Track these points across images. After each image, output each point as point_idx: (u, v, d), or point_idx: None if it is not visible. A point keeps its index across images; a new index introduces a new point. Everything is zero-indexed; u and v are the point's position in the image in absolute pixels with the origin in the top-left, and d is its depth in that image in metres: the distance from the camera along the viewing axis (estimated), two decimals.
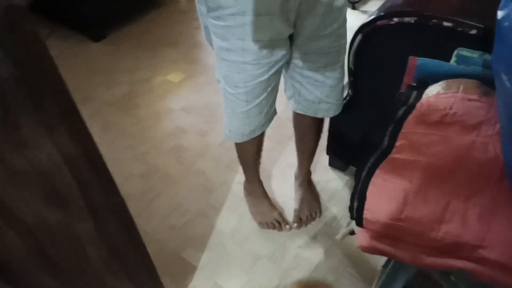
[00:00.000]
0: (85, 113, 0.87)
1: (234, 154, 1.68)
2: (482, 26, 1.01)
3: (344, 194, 1.50)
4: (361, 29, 1.16)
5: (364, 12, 2.57)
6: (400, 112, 0.95)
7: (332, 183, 1.54)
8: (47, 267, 0.73)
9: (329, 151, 1.56)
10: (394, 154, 0.84)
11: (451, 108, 0.88)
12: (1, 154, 0.57)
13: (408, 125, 0.87)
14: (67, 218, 0.71)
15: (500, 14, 0.75)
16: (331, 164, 1.60)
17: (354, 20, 2.36)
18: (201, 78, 2.15)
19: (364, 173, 0.85)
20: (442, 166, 0.79)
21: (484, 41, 1.00)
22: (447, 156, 0.80)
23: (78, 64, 2.28)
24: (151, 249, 0.99)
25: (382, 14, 1.11)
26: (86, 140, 0.69)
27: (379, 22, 1.12)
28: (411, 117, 0.89)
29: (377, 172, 0.83)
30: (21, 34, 0.55)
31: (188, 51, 2.36)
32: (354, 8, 2.56)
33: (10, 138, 0.58)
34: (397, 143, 0.85)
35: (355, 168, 1.54)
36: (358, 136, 1.43)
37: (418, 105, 0.92)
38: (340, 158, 1.57)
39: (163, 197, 1.54)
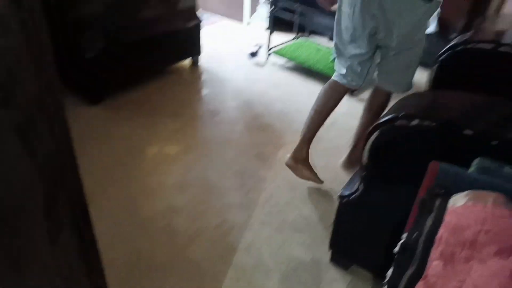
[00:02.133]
0: None
1: (229, 241, 1.56)
2: (503, 137, 1.00)
3: None
4: (379, 126, 1.14)
5: (362, 100, 2.65)
6: (428, 222, 0.89)
7: (334, 284, 1.41)
8: None
9: (333, 247, 1.45)
10: (430, 277, 0.75)
11: (483, 224, 0.82)
12: None
13: (441, 242, 0.80)
14: None
15: None
16: (333, 260, 1.48)
17: (352, 108, 2.43)
18: (198, 151, 2.08)
19: None
20: None
21: (506, 152, 0.98)
22: (489, 284, 0.72)
23: (70, 127, 2.20)
24: None
25: (402, 114, 1.10)
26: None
27: (398, 122, 1.10)
28: (442, 232, 0.82)
29: None
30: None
31: (187, 123, 2.32)
32: (352, 95, 2.64)
33: None
34: (432, 264, 0.77)
35: (358, 267, 1.44)
36: (365, 235, 1.35)
37: (447, 217, 0.86)
38: (343, 256, 1.46)
39: None
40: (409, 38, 1.54)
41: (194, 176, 1.90)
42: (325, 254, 1.50)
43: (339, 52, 1.64)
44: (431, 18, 3.05)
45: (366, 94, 2.33)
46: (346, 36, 1.57)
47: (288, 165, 1.83)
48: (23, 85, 0.49)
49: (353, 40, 1.55)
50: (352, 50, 1.58)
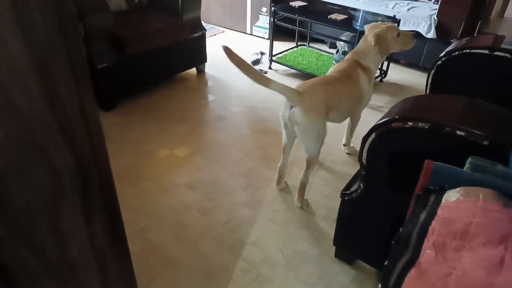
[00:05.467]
0: None
1: (237, 236, 1.64)
2: (494, 138, 1.08)
3: None
4: (375, 128, 1.22)
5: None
6: (422, 216, 0.96)
7: (339, 277, 1.48)
8: None
9: (336, 242, 1.53)
10: (422, 264, 0.83)
11: (474, 217, 0.90)
12: None
13: (433, 233, 0.88)
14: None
15: None
16: (338, 255, 1.56)
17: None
18: (207, 154, 2.17)
19: (392, 280, 0.82)
20: (475, 279, 0.78)
21: (496, 152, 1.06)
22: (478, 270, 0.79)
23: None
24: None
25: (396, 116, 1.18)
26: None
27: (393, 124, 1.18)
28: (435, 224, 0.90)
29: (406, 281, 0.81)
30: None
31: (196, 127, 2.42)
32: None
33: None
34: (424, 252, 0.84)
35: (362, 262, 1.52)
36: (367, 230, 1.42)
37: (439, 211, 0.94)
38: (347, 251, 1.54)
39: (160, 280, 1.45)
40: None
41: (203, 176, 1.99)
42: (330, 249, 1.57)
43: None
44: (428, 25, 3.13)
45: None
46: None
47: None
48: (64, 89, 0.58)
49: None
50: None
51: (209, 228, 1.68)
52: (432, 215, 0.94)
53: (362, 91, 1.85)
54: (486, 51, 1.54)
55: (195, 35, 2.86)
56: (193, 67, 3.06)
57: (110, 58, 2.36)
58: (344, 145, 2.23)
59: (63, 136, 0.58)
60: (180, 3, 2.67)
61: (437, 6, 3.11)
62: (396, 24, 1.98)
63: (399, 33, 1.92)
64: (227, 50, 1.49)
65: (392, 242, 1.01)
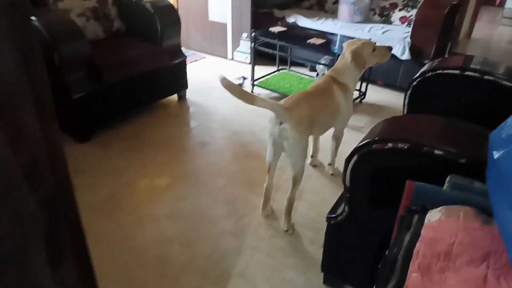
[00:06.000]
0: None
1: (222, 267, 1.59)
2: (470, 156, 1.09)
3: None
4: (357, 150, 1.22)
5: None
6: (407, 238, 0.95)
7: None
8: None
9: (324, 268, 1.49)
10: None
11: (456, 237, 0.89)
12: None
13: (418, 255, 0.86)
14: None
15: (496, 154, 0.81)
16: (326, 281, 1.52)
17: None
18: (189, 182, 2.13)
19: None
20: None
21: (473, 170, 1.07)
22: None
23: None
24: None
25: (377, 138, 1.18)
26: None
27: (374, 146, 1.18)
28: (419, 245, 0.89)
29: None
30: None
31: (177, 155, 2.38)
32: None
33: None
34: (411, 276, 0.82)
35: (350, 287, 1.48)
36: (354, 254, 1.40)
37: (423, 232, 0.93)
38: (335, 276, 1.50)
39: None
40: None
41: (185, 206, 1.94)
42: (318, 276, 1.54)
43: None
44: (403, 47, 3.24)
45: None
46: None
47: None
48: (28, 128, 0.55)
49: None
50: None
51: (192, 261, 1.62)
52: (416, 236, 0.93)
53: (338, 105, 1.89)
54: (457, 71, 1.59)
55: (176, 61, 2.86)
56: (174, 94, 3.06)
57: (87, 88, 2.32)
58: (329, 164, 2.24)
59: (27, 181, 0.54)
60: (159, 30, 2.69)
61: (410, 29, 3.23)
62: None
63: (375, 48, 1.98)
64: (224, 82, 1.57)
65: (379, 266, 1.00)
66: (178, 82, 3.00)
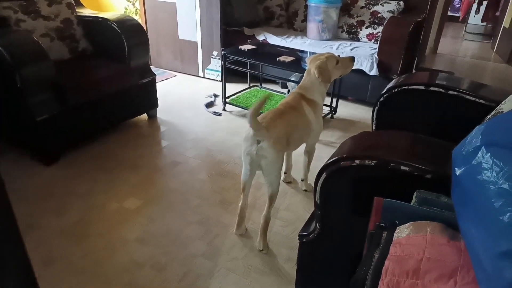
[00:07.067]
0: (28, 244, 0.77)
1: None
2: (436, 171, 1.11)
3: None
4: (326, 167, 1.23)
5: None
6: (376, 256, 0.95)
7: None
8: None
9: (299, 286, 1.47)
10: None
11: (424, 253, 0.90)
12: None
13: (387, 273, 0.86)
14: None
15: (457, 170, 0.83)
16: None
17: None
18: (161, 204, 2.08)
19: None
20: None
21: (439, 184, 1.09)
22: None
23: (27, 188, 2.13)
24: None
25: (344, 155, 1.19)
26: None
27: (342, 163, 1.19)
28: (388, 263, 0.89)
29: None
30: None
31: (148, 176, 2.32)
32: None
33: None
34: None
35: None
36: (328, 271, 1.39)
37: (391, 249, 0.93)
38: None
39: None
40: None
41: (156, 229, 1.88)
42: None
43: None
44: (371, 63, 3.34)
45: None
46: None
47: None
48: None
49: None
50: None
51: (164, 285, 1.56)
52: (385, 254, 0.93)
53: (309, 121, 1.91)
54: (422, 87, 1.64)
55: (144, 80, 2.83)
56: (144, 113, 3.01)
57: (52, 109, 2.25)
58: (302, 180, 2.24)
59: None
60: (127, 49, 2.65)
61: (377, 46, 3.34)
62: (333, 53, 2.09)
63: (338, 61, 2.01)
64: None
65: (349, 284, 0.99)
66: (148, 101, 2.96)
